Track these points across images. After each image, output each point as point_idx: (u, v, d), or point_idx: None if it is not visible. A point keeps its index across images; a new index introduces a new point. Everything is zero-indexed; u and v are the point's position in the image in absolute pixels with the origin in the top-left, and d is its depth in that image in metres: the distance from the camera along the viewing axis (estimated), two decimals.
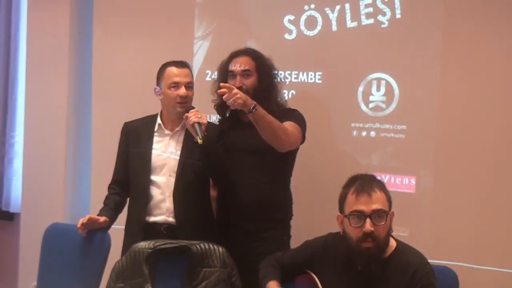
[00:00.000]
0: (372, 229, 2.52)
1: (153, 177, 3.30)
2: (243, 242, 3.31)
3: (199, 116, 3.14)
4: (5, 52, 5.15)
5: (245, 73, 3.37)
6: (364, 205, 2.54)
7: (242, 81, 3.35)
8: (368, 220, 2.53)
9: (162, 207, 3.28)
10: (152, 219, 3.28)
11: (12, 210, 5.16)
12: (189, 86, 3.28)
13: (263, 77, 3.40)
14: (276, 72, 3.52)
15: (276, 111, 3.31)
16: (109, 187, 3.47)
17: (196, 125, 3.10)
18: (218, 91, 3.12)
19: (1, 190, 5.21)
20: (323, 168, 3.86)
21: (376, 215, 2.54)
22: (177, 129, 3.33)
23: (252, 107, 3.07)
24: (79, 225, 3.23)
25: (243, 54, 3.44)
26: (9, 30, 5.14)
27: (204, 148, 3.14)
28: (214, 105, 3.52)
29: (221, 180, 3.37)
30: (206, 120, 3.16)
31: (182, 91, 3.24)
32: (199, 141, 3.06)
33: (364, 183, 2.60)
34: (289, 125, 3.27)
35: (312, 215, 3.68)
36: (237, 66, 3.39)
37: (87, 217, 3.26)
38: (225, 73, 3.44)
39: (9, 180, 5.18)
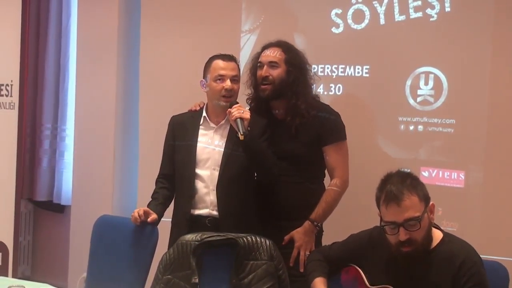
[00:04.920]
0: (407, 237, 2.48)
1: (197, 171, 3.30)
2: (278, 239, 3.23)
3: (242, 111, 3.14)
4: (56, 46, 5.25)
5: (271, 64, 3.35)
6: (395, 216, 2.49)
7: (268, 71, 3.34)
8: (401, 229, 2.48)
9: (206, 200, 3.28)
10: (197, 212, 3.29)
11: (63, 202, 5.27)
12: (234, 79, 3.27)
13: (291, 70, 3.34)
14: (308, 68, 3.46)
15: (305, 111, 3.29)
16: (157, 181, 3.49)
17: (239, 120, 3.10)
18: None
19: (53, 183, 5.33)
20: (370, 162, 3.83)
21: (409, 223, 2.48)
22: (222, 122, 3.32)
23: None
24: (136, 216, 3.26)
25: (274, 46, 3.41)
26: (59, 26, 5.23)
27: (246, 143, 3.13)
28: (247, 99, 3.52)
29: (264, 174, 3.36)
30: (249, 115, 3.15)
31: (227, 84, 3.23)
32: (241, 137, 3.07)
33: (392, 188, 2.51)
34: (336, 162, 3.35)
35: (360, 209, 3.65)
36: (265, 56, 3.38)
37: (142, 210, 3.29)
38: (256, 64, 3.44)
39: (60, 173, 5.29)
